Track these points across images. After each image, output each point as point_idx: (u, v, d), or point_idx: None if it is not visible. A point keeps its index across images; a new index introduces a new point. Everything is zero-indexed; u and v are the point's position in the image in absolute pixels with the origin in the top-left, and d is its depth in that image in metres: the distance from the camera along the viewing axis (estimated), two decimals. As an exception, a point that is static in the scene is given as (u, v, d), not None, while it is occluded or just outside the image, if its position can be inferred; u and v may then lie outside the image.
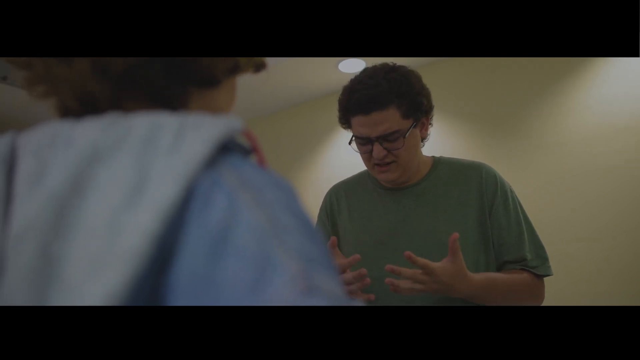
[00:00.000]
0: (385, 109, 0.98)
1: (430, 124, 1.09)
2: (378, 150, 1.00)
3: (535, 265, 1.02)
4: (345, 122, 1.07)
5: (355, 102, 1.00)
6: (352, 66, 2.74)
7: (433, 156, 1.15)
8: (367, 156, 1.05)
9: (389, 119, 0.98)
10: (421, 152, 1.11)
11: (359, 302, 0.30)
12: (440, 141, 2.69)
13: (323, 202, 1.21)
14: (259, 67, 0.47)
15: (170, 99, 0.39)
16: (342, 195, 1.18)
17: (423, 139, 1.09)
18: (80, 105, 0.38)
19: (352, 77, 1.06)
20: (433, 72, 2.68)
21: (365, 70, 1.04)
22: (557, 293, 2.10)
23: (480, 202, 1.03)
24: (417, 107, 1.01)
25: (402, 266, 0.88)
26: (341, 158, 3.04)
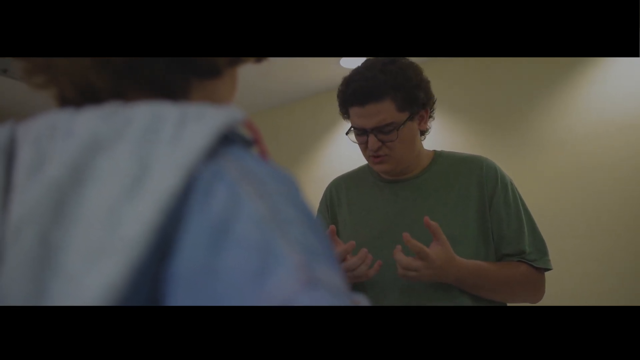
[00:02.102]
0: (380, 101, 0.99)
1: (431, 117, 1.10)
2: (372, 141, 1.02)
3: (534, 258, 1.03)
4: (345, 112, 1.09)
5: (351, 93, 1.02)
6: (354, 62, 2.73)
7: (434, 150, 1.16)
8: (363, 147, 1.07)
9: (383, 110, 1.00)
10: (421, 145, 1.12)
11: (360, 296, 0.30)
12: (441, 138, 2.69)
13: (323, 196, 1.22)
14: (259, 58, 0.47)
15: (171, 89, 0.39)
16: (342, 188, 1.19)
17: (423, 131, 1.10)
18: (81, 96, 0.37)
19: None
20: (433, 68, 2.67)
21: (365, 62, 1.06)
22: (556, 291, 2.10)
23: (481, 195, 1.04)
24: (413, 100, 1.02)
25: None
26: (342, 154, 3.05)
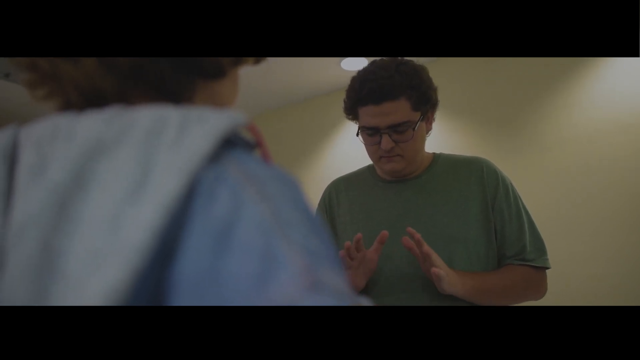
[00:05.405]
0: (396, 100, 0.99)
1: (433, 118, 1.11)
2: (386, 141, 1.01)
3: (533, 257, 1.05)
4: (352, 113, 1.07)
5: (367, 92, 1.00)
6: (355, 64, 2.76)
7: (433, 152, 1.17)
8: (374, 148, 1.05)
9: (400, 109, 1.00)
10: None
11: (364, 300, 0.30)
12: (443, 139, 2.69)
13: (321, 198, 1.22)
14: (259, 59, 0.47)
15: (176, 91, 0.38)
16: (341, 189, 1.18)
17: (427, 131, 1.11)
18: (85, 101, 0.37)
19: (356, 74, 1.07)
20: (435, 68, 2.67)
21: (375, 62, 1.05)
22: (560, 291, 2.09)
23: (483, 195, 1.06)
24: (427, 100, 1.03)
25: (403, 258, 0.96)
26: (344, 155, 3.05)
